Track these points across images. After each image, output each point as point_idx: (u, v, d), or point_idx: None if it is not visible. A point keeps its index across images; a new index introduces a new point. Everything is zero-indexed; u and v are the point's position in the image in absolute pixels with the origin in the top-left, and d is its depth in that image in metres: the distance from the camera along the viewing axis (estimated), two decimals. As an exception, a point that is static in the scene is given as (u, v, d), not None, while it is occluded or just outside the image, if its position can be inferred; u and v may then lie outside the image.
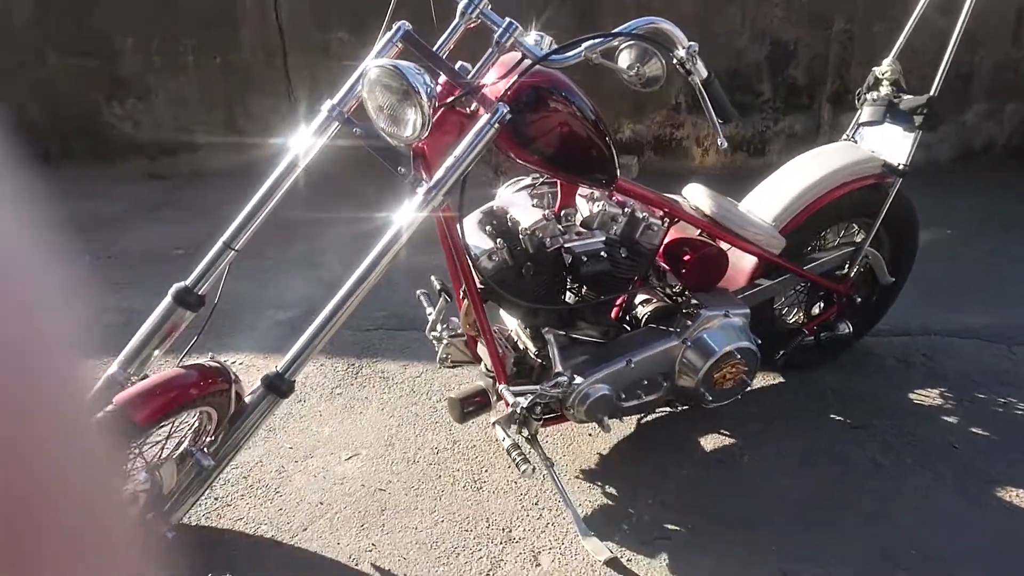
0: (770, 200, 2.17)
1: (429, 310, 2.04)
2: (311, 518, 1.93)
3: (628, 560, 1.78)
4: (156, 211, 3.95)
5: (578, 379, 1.88)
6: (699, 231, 2.05)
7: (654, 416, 2.27)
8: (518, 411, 1.87)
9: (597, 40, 1.53)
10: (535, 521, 1.91)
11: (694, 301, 2.02)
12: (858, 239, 2.31)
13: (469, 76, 1.58)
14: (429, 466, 2.11)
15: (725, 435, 2.20)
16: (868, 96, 2.23)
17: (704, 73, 1.56)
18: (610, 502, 1.97)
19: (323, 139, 1.66)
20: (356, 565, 1.79)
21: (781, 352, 2.28)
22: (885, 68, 2.20)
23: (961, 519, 1.92)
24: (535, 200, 1.93)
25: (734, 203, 2.17)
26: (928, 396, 2.38)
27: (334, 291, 1.56)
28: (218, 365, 1.69)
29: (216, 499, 1.99)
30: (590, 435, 2.21)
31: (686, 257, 2.02)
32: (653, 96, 4.40)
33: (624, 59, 1.59)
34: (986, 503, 1.98)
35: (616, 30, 1.51)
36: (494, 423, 1.91)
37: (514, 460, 1.81)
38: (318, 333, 1.58)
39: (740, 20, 4.20)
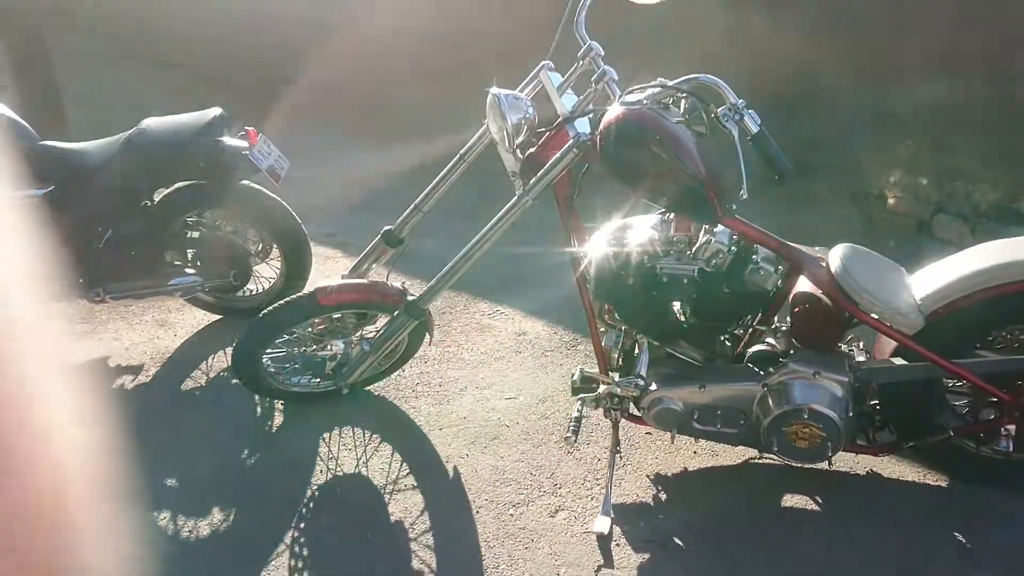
0: (934, 277, 1.98)
1: None
2: (449, 424, 2.56)
3: (616, 544, 2.00)
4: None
5: (653, 386, 2.12)
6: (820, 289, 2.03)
7: (765, 461, 2.29)
8: (597, 396, 2.20)
9: (657, 90, 1.78)
10: (583, 490, 2.23)
11: (794, 354, 2.03)
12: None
13: (573, 109, 1.97)
14: (553, 424, 2.54)
15: (816, 501, 2.13)
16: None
17: (754, 128, 1.68)
18: (650, 503, 2.16)
19: (482, 144, 2.24)
20: (446, 462, 2.38)
21: (911, 442, 2.06)
22: None
23: None
24: (659, 223, 2.18)
25: (896, 270, 2.05)
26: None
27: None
28: (400, 288, 2.42)
29: (411, 390, 2.76)
30: (695, 453, 2.36)
31: (796, 309, 2.04)
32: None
33: (682, 107, 1.80)
34: None
35: (672, 83, 1.74)
36: (579, 398, 2.25)
37: (567, 427, 2.16)
38: (445, 276, 2.19)
39: None
